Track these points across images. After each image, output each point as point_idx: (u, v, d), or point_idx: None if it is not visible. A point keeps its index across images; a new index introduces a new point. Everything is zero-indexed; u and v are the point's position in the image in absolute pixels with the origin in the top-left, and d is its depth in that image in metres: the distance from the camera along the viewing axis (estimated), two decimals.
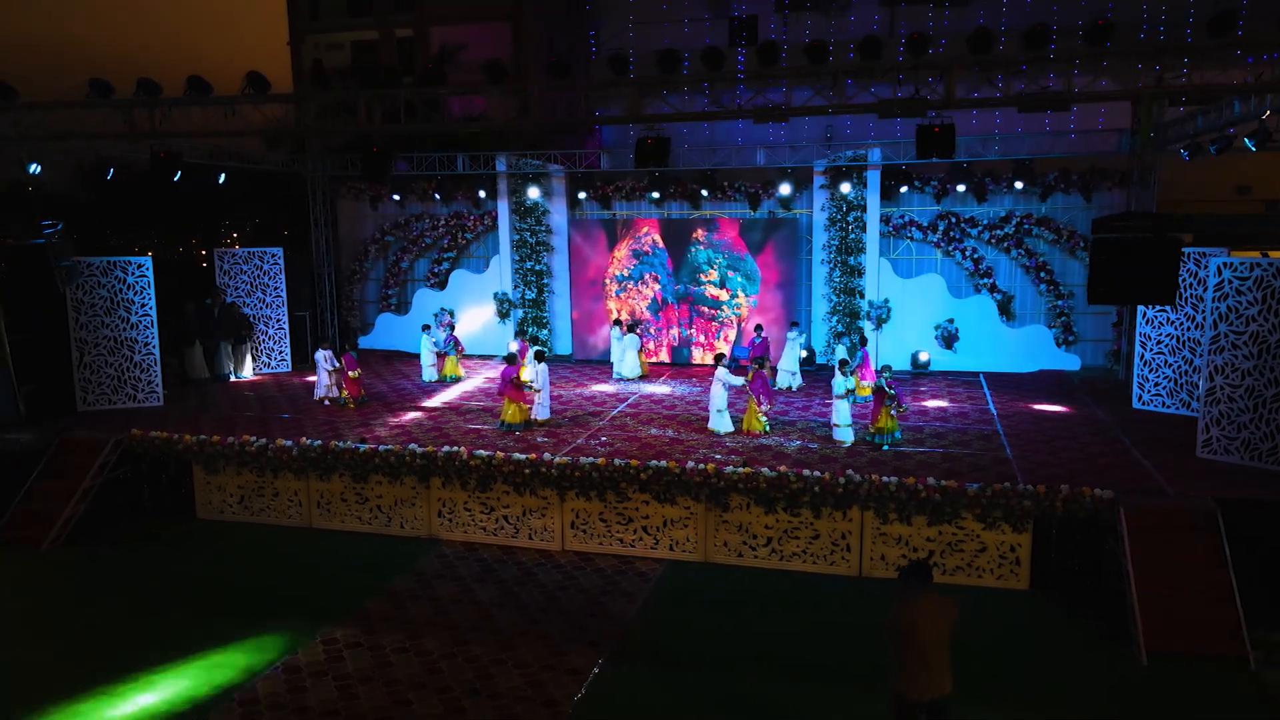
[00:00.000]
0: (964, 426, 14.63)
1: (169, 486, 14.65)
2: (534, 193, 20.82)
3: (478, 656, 9.89)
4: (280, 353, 20.21)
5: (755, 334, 18.19)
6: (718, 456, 12.87)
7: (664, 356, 20.75)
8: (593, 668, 9.61)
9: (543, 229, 21.56)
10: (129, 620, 11.04)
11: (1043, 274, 19.22)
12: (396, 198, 22.49)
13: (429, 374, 19.02)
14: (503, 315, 21.73)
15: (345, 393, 16.84)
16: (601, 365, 20.20)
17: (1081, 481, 11.39)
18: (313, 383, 17.49)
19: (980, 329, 19.34)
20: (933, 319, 19.46)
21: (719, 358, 15.28)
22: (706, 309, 20.31)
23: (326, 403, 16.85)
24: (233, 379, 19.30)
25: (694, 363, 20.35)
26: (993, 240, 19.42)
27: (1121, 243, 8.84)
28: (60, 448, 14.58)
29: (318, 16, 36.21)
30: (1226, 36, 8.73)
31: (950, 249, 19.65)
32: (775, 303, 19.71)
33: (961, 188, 18.98)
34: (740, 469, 12.11)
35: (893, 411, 13.51)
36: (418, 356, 19.68)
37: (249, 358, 19.75)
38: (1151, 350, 15.21)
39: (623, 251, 20.79)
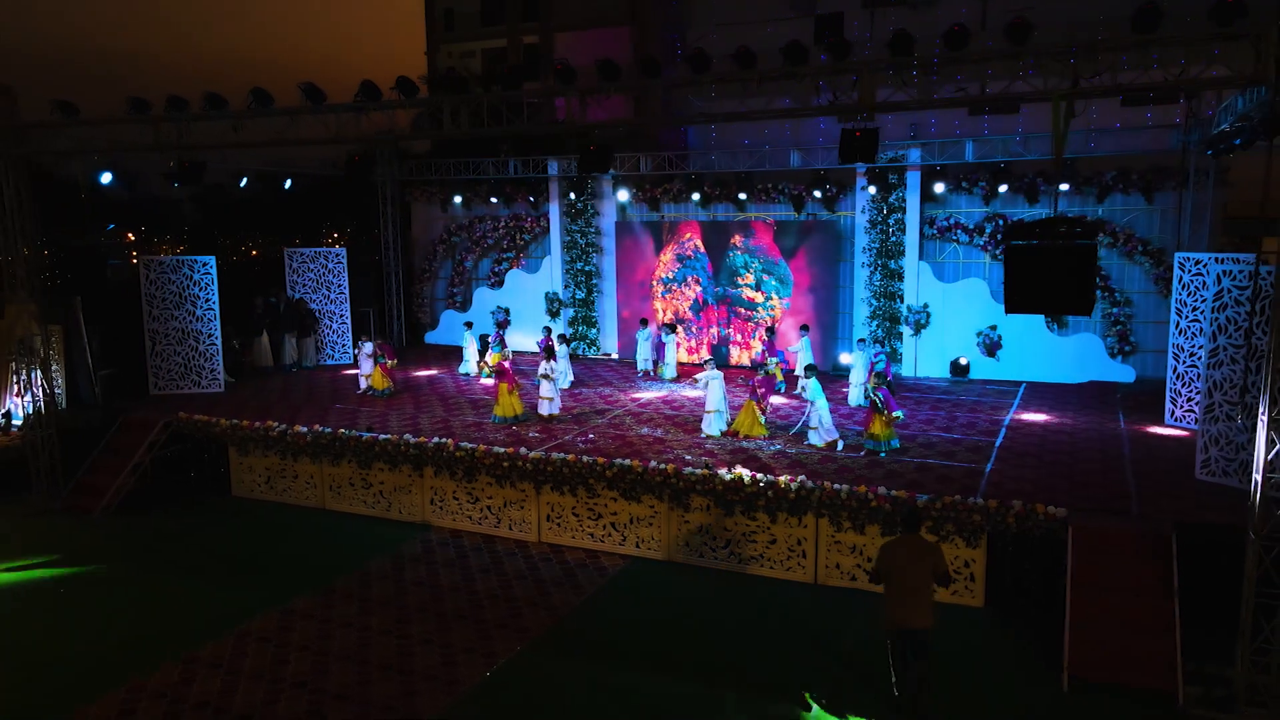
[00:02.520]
0: (962, 437, 14.13)
1: (209, 466, 16.14)
2: (572, 195, 21.50)
3: (410, 635, 10.53)
4: (343, 345, 21.65)
5: (767, 336, 18.17)
6: (688, 457, 13.02)
7: (705, 354, 20.89)
8: (509, 653, 10.06)
9: (592, 230, 22.14)
10: (140, 580, 12.38)
11: (1097, 279, 18.15)
12: (458, 200, 23.60)
13: (467, 368, 19.96)
14: (553, 314, 22.46)
15: (387, 383, 17.92)
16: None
17: (1053, 499, 10.91)
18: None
19: (1025, 337, 18.46)
20: (974, 325, 18.75)
21: (712, 359, 15.40)
22: (743, 310, 20.36)
23: (369, 393, 17.95)
24: (296, 369, 20.84)
25: (731, 362, 20.41)
26: None
27: (1034, 250, 8.46)
28: (121, 427, 16.32)
29: (453, 27, 38.40)
30: (1152, 33, 8.16)
31: (998, 252, 18.86)
32: (807, 305, 19.54)
33: (1004, 188, 18.16)
34: (699, 470, 12.26)
35: (887, 419, 13.27)
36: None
37: (313, 349, 21.29)
38: (1185, 363, 14.22)
39: (668, 255, 21.11)
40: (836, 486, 11.47)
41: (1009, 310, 8.99)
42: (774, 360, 17.85)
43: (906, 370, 19.25)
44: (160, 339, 18.13)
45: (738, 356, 20.40)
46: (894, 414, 13.55)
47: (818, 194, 19.58)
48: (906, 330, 19.03)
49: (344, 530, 14.22)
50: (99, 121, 14.43)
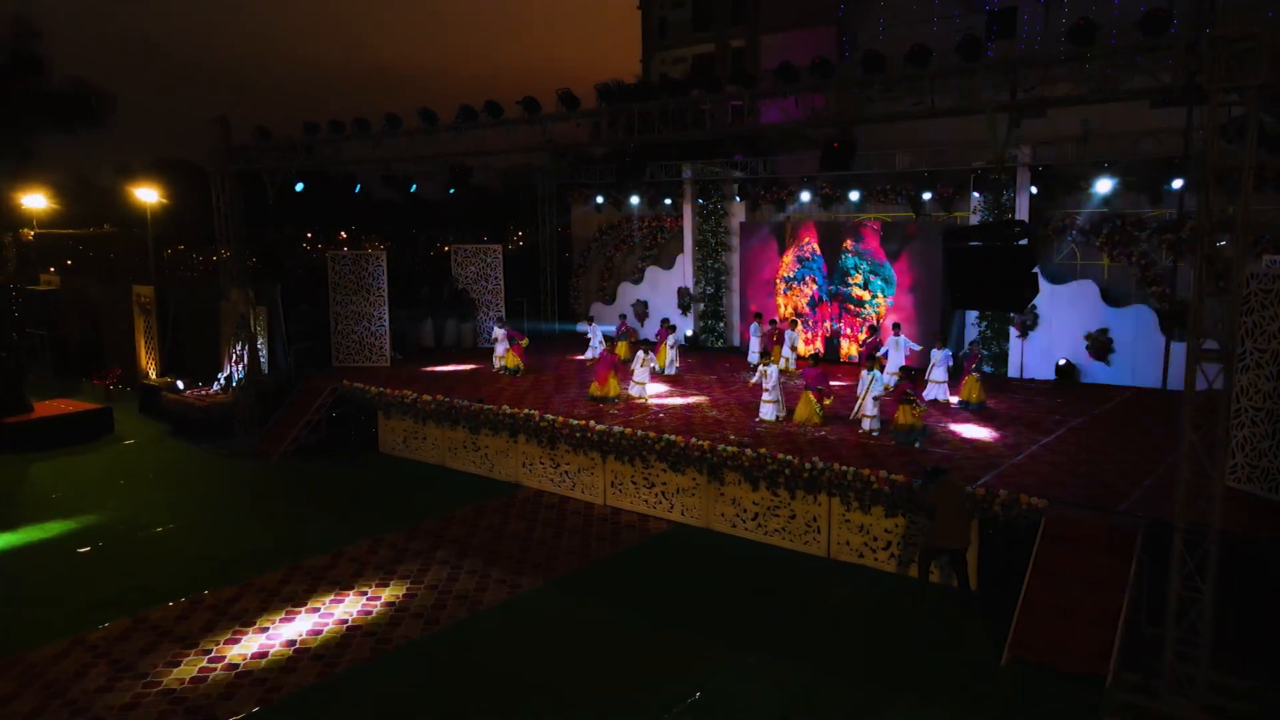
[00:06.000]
0: (1008, 435, 14.34)
1: (364, 426, 19.33)
2: (693, 198, 23.11)
3: (461, 565, 12.72)
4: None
5: (870, 333, 18.81)
6: (732, 436, 14.28)
7: (819, 346, 21.77)
8: (529, 586, 11.97)
9: (722, 230, 23.59)
10: (290, 509, 15.57)
11: (1221, 283, 17.25)
12: (599, 200, 25.88)
13: (591, 354, 22.11)
14: (684, 309, 24.13)
15: (518, 362, 20.45)
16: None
17: (1050, 492, 11.27)
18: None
19: (1139, 341, 17.88)
20: (1084, 327, 18.35)
21: (764, 354, 16.56)
22: (853, 307, 21.06)
23: (502, 372, 20.54)
24: (455, 349, 23.95)
25: (841, 356, 21.17)
26: (1164, 244, 17.83)
27: (972, 252, 9.04)
28: (303, 390, 19.90)
29: (666, 35, 41.00)
30: (1090, 47, 8.45)
31: (1116, 253, 18.34)
32: (908, 304, 19.96)
33: (1107, 183, 17.62)
34: (729, 447, 13.55)
35: (914, 410, 13.92)
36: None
37: (472, 333, 24.34)
38: None
39: (789, 256, 22.20)
40: (844, 468, 12.40)
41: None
42: (879, 353, 18.52)
43: (1012, 372, 19.17)
44: (341, 319, 21.71)
45: (846, 349, 21.17)
46: (919, 405, 14.13)
47: (926, 195, 19.91)
48: (1014, 332, 18.95)
49: (451, 484, 16.74)
50: (284, 145, 17.87)
